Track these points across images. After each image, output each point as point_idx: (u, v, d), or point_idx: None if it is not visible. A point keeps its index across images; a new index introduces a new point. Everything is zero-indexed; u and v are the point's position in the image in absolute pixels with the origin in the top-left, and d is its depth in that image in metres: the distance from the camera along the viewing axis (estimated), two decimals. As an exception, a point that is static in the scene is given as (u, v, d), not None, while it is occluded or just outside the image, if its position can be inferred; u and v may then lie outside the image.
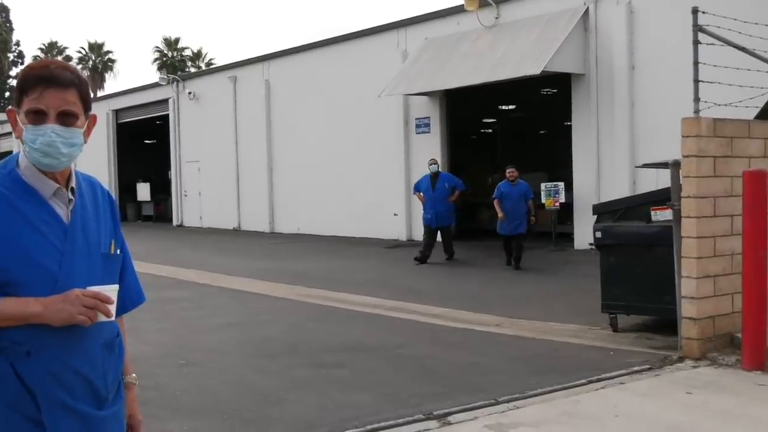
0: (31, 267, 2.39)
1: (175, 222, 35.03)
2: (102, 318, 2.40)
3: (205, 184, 33.08)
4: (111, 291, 2.46)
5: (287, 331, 10.30)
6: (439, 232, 17.57)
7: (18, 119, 2.46)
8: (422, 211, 18.12)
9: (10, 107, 2.51)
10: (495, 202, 15.80)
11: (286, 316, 11.54)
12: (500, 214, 15.61)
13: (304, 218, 27.11)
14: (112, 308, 2.44)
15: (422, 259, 17.04)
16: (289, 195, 28.40)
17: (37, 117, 2.40)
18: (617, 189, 18.14)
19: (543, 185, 20.54)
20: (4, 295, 2.35)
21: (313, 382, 7.60)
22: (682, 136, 8.25)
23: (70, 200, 2.51)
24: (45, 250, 2.42)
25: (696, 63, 8.29)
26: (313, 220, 26.47)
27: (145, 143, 41.05)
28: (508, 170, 16.01)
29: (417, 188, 18.15)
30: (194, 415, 6.54)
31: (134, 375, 2.80)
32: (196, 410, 6.68)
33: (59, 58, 70.39)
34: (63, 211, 2.49)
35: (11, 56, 77.52)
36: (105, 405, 2.54)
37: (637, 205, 9.64)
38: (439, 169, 18.07)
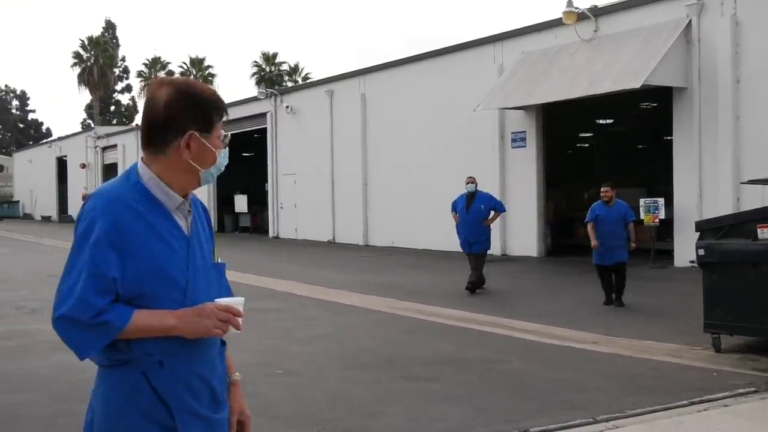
0: (163, 279, 2.51)
1: (271, 233, 35.64)
2: (232, 330, 2.53)
3: (301, 197, 33.58)
4: (239, 304, 2.58)
5: (380, 344, 10.37)
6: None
7: (206, 143, 2.60)
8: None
9: (191, 131, 2.58)
10: (588, 227, 13.27)
11: (378, 329, 11.60)
12: (594, 242, 13.13)
13: (398, 231, 27.22)
14: (241, 321, 2.56)
15: (471, 288, 15.01)
16: (383, 208, 28.60)
17: (224, 142, 2.66)
18: (721, 205, 17.65)
19: (642, 201, 20.17)
20: (136, 307, 2.46)
21: (406, 394, 7.62)
22: (792, 151, 7.98)
23: (189, 212, 2.63)
24: (174, 263, 2.53)
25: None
26: (407, 233, 26.55)
27: (242, 156, 41.90)
28: (602, 190, 13.37)
29: (453, 207, 16.20)
30: (291, 424, 6.64)
31: (237, 373, 2.88)
32: (293, 420, 6.78)
33: (162, 73, 72.69)
34: (184, 223, 2.61)
35: (117, 71, 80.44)
36: (221, 408, 2.66)
37: (743, 222, 9.35)
38: (478, 188, 15.85)
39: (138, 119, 67.04)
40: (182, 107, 2.58)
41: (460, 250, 23.29)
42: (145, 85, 73.02)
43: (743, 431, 6.24)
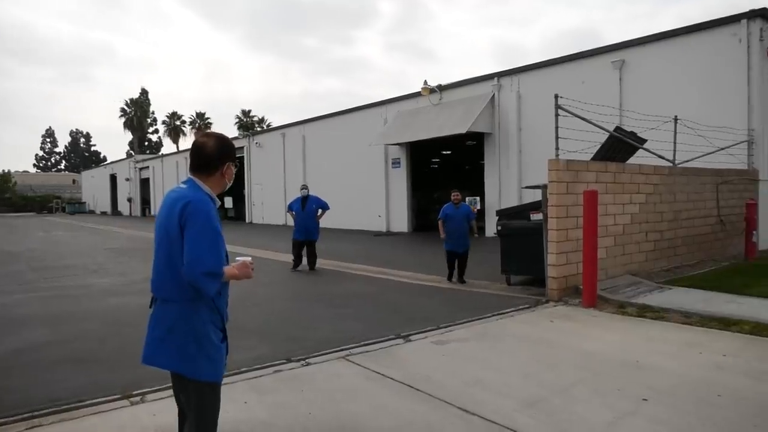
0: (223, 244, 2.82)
1: (247, 220, 34.67)
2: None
3: (265, 197, 32.76)
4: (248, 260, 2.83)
5: (312, 285, 10.25)
6: (306, 245, 12.67)
7: (229, 169, 2.85)
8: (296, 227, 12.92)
9: (229, 163, 2.84)
10: (439, 223, 10.35)
11: (312, 276, 11.45)
12: (442, 234, 10.32)
13: (325, 217, 26.88)
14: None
15: (294, 267, 12.59)
16: (315, 204, 28.16)
17: (233, 169, 2.91)
18: (511, 201, 18.22)
19: (467, 198, 20.52)
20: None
21: (330, 316, 7.54)
22: (548, 170, 8.28)
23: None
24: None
25: (557, 127, 8.32)
26: (330, 218, 26.10)
27: (229, 173, 40.83)
28: (453, 194, 10.40)
29: (290, 208, 13.09)
30: (258, 336, 6.47)
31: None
32: (259, 333, 6.60)
33: (177, 122, 69.66)
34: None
35: (149, 120, 76.85)
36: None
37: (522, 211, 9.66)
38: (309, 193, 12.92)
39: (162, 151, 64.21)
40: (225, 150, 2.80)
41: (361, 228, 23.08)
42: (167, 129, 69.91)
43: (521, 329, 6.43)
